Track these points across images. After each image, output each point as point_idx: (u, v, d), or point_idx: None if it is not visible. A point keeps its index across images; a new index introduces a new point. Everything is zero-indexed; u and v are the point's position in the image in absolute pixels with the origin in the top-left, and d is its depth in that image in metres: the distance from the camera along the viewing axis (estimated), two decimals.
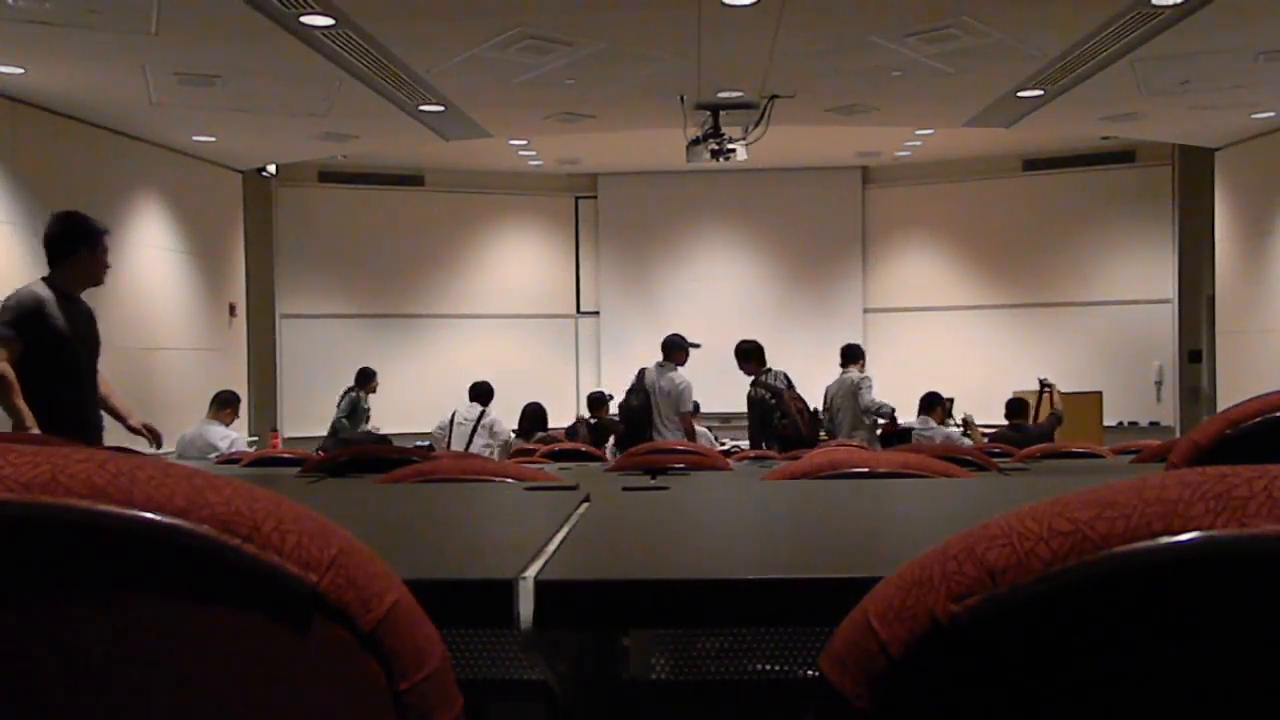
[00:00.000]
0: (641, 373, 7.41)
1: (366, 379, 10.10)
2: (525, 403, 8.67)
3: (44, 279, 4.37)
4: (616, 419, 8.60)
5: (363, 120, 8.38)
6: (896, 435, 8.33)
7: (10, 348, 4.11)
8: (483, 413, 8.33)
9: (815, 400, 7.97)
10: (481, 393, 8.43)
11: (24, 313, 4.19)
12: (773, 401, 7.19)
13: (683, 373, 7.35)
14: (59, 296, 4.28)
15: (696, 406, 7.99)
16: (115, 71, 6.83)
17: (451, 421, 8.38)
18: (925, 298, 12.17)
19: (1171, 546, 0.51)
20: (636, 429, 7.11)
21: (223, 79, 7.06)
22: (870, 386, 8.07)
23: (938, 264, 12.25)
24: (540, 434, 8.28)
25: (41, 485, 0.57)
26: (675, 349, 7.41)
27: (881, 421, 8.21)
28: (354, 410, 9.90)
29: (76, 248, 4.38)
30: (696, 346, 7.49)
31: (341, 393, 10.05)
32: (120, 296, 8.42)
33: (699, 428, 9.38)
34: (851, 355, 8.34)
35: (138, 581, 0.58)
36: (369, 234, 12.07)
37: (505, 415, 8.56)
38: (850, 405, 8.04)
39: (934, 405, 8.43)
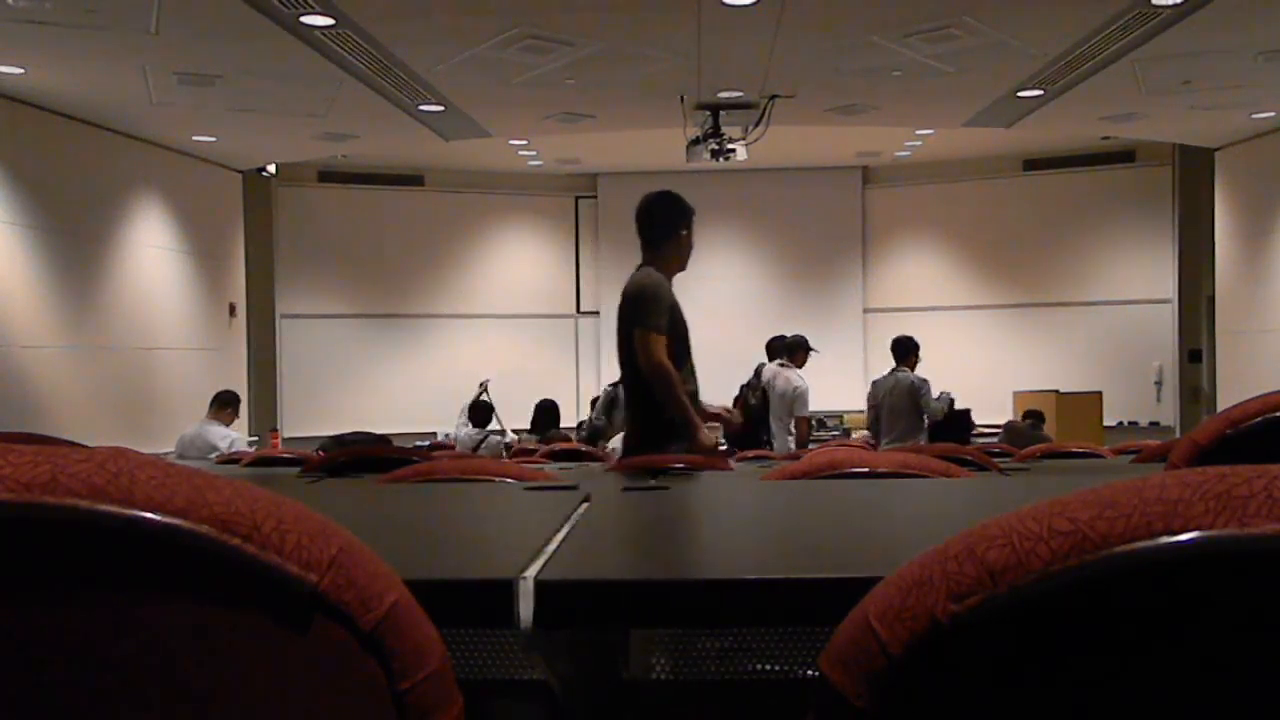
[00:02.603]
0: (759, 370, 7.21)
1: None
2: (523, 402, 8.66)
3: (650, 265, 3.88)
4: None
5: (363, 120, 8.38)
6: (952, 425, 7.39)
7: (663, 341, 3.64)
8: (484, 439, 8.15)
9: (821, 402, 7.83)
10: (483, 415, 8.25)
11: (663, 302, 3.71)
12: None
13: (802, 374, 7.18)
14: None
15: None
16: (115, 71, 6.83)
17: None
18: (925, 298, 12.17)
19: (1171, 546, 0.51)
20: (753, 429, 6.87)
21: (223, 79, 7.05)
22: (930, 389, 7.31)
23: (938, 264, 12.25)
24: (554, 430, 8.27)
25: (41, 485, 0.57)
26: (798, 349, 7.25)
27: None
28: (612, 407, 9.57)
29: (677, 229, 3.92)
30: (816, 351, 7.39)
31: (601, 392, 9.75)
32: (120, 296, 8.43)
33: None
34: (904, 351, 7.45)
35: (138, 581, 0.58)
36: (369, 234, 12.07)
37: (507, 415, 8.52)
38: (908, 408, 7.28)
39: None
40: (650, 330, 3.65)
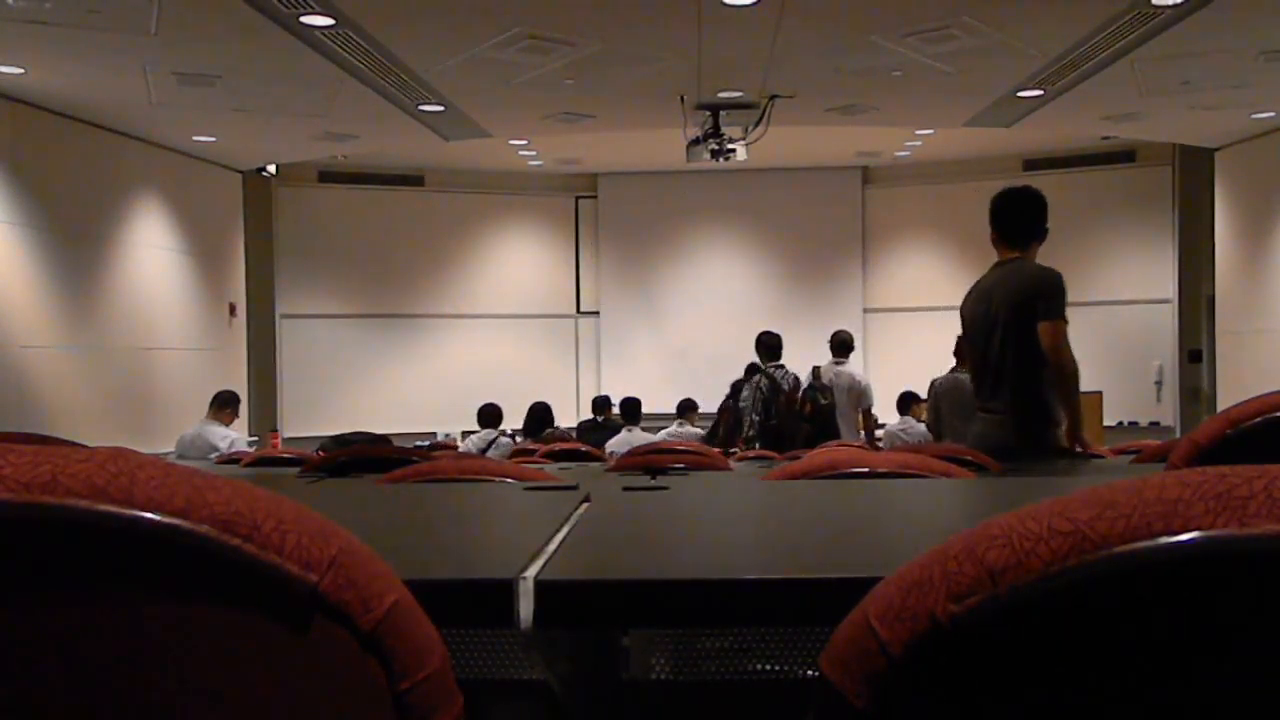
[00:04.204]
0: (816, 371, 7.27)
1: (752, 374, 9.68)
2: (523, 402, 8.63)
3: (1023, 259, 4.02)
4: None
5: (363, 120, 8.37)
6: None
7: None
8: (494, 440, 8.13)
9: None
10: (491, 416, 8.23)
11: (1065, 298, 3.81)
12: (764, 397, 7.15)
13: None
14: None
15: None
16: (115, 71, 6.82)
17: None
18: (925, 298, 12.15)
19: (1171, 546, 0.51)
20: (827, 428, 6.93)
21: (223, 79, 7.05)
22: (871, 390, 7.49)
23: (938, 264, 12.23)
24: (547, 432, 8.26)
25: (41, 485, 0.57)
26: (846, 347, 7.46)
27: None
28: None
29: (1045, 226, 4.14)
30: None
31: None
32: (120, 296, 8.43)
33: (693, 429, 9.35)
34: (848, 347, 7.64)
35: (138, 581, 0.58)
36: (369, 234, 12.07)
37: (507, 416, 8.49)
38: (848, 406, 7.36)
39: (910, 403, 7.93)
40: (1063, 322, 3.79)
